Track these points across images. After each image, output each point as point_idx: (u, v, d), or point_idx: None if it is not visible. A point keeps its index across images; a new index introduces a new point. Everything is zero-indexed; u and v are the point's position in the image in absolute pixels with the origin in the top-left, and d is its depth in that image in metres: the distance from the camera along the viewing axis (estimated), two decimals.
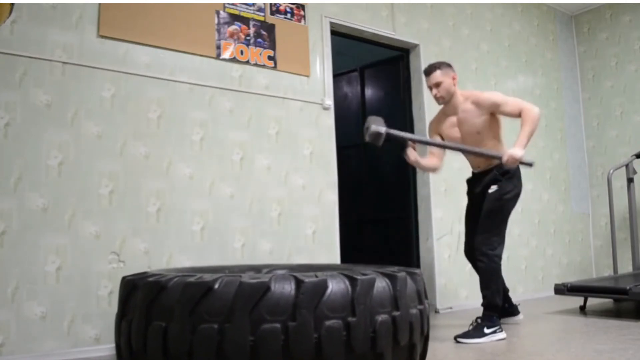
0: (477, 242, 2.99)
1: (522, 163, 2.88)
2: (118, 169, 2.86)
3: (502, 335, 2.87)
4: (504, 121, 3.11)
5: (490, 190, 3.01)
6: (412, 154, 2.98)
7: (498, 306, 2.96)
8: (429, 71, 3.08)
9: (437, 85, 3.04)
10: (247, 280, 1.41)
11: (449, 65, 3.09)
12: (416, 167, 3.20)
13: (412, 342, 1.59)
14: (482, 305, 2.97)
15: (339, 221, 3.70)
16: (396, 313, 1.53)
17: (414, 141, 3.03)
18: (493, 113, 3.02)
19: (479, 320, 2.91)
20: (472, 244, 3.13)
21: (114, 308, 2.71)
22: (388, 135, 2.77)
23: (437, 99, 3.08)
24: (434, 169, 3.21)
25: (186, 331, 1.40)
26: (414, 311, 1.61)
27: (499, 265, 2.96)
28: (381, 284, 1.54)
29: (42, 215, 2.62)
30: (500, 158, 2.86)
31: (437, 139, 3.21)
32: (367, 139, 2.80)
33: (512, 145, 2.89)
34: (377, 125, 2.76)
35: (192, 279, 1.45)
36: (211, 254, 3.10)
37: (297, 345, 1.37)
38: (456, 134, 3.12)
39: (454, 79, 3.06)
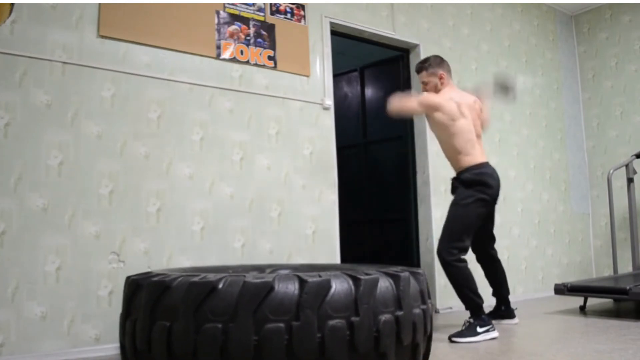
0: (437, 249, 3.00)
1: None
2: (118, 169, 2.86)
3: (494, 334, 2.89)
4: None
5: (454, 197, 3.10)
6: None
7: (480, 305, 2.96)
8: (417, 69, 3.24)
9: (424, 84, 3.21)
10: (251, 280, 1.41)
11: (438, 64, 3.17)
12: None
13: (415, 342, 1.59)
14: (466, 310, 3.00)
15: (339, 221, 3.69)
16: (399, 313, 1.53)
17: None
18: (432, 116, 3.11)
19: (470, 320, 2.93)
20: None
21: (114, 308, 2.71)
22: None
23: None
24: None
25: (190, 331, 1.40)
26: (417, 311, 1.61)
27: (463, 267, 2.95)
28: (384, 284, 1.53)
29: (42, 215, 2.61)
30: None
31: None
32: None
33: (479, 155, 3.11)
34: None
35: (196, 279, 1.45)
36: (211, 254, 3.10)
37: (301, 344, 1.37)
38: (437, 134, 3.24)
39: (441, 77, 3.14)
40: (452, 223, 2.98)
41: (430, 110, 3.08)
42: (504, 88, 3.23)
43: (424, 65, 3.19)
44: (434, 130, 3.21)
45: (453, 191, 3.17)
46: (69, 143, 2.73)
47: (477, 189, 2.99)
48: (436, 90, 3.14)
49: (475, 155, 3.06)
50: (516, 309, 3.45)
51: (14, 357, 2.46)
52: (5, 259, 2.50)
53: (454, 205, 3.02)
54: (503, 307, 3.35)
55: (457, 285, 2.96)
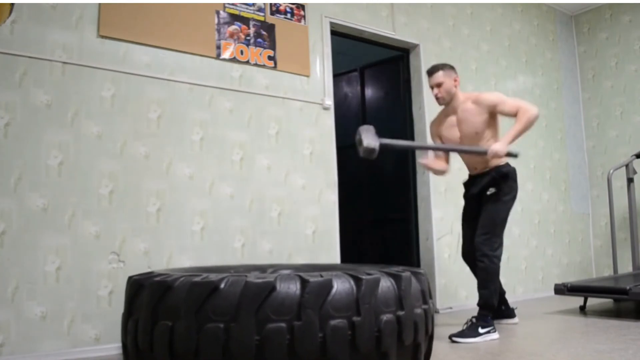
0: (477, 242, 3.01)
1: (507, 155, 2.94)
2: (118, 169, 2.85)
3: (495, 335, 2.89)
4: (503, 121, 3.13)
5: (488, 193, 3.05)
6: (423, 159, 3.01)
7: (493, 306, 2.99)
8: (431, 71, 3.13)
9: (439, 85, 3.09)
10: (253, 280, 1.41)
11: (452, 68, 3.14)
12: (428, 170, 3.20)
13: (416, 342, 1.59)
14: (478, 304, 2.99)
15: (339, 221, 3.69)
16: (401, 313, 1.53)
17: (408, 148, 3.01)
18: (492, 113, 3.05)
19: (473, 320, 2.93)
20: (469, 246, 3.17)
21: (114, 308, 2.71)
22: (382, 147, 2.67)
23: (438, 99, 3.13)
24: (443, 172, 3.25)
25: (192, 330, 1.40)
26: (418, 311, 1.61)
27: (498, 267, 3.00)
28: (386, 284, 1.54)
29: (42, 215, 2.61)
30: (485, 152, 2.93)
31: (438, 142, 3.24)
32: (360, 154, 2.70)
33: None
34: (369, 140, 2.63)
35: (198, 279, 1.45)
36: (211, 254, 3.10)
37: (303, 344, 1.37)
38: (455, 134, 3.16)
39: (455, 80, 3.11)
40: (495, 218, 3.00)
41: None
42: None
43: (438, 66, 3.11)
44: (478, 128, 3.06)
45: (482, 186, 3.09)
46: (69, 143, 2.73)
47: (512, 186, 3.05)
48: (450, 93, 3.08)
49: None
50: (516, 308, 3.46)
51: (14, 357, 2.45)
52: (5, 259, 2.50)
53: (496, 202, 3.01)
54: (503, 307, 3.36)
55: (486, 279, 2.96)
